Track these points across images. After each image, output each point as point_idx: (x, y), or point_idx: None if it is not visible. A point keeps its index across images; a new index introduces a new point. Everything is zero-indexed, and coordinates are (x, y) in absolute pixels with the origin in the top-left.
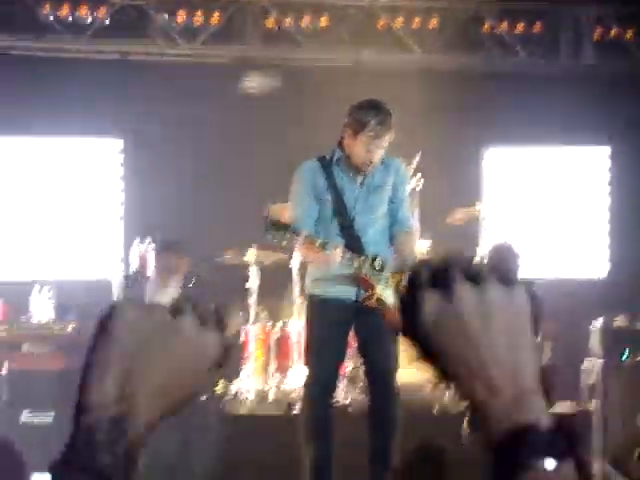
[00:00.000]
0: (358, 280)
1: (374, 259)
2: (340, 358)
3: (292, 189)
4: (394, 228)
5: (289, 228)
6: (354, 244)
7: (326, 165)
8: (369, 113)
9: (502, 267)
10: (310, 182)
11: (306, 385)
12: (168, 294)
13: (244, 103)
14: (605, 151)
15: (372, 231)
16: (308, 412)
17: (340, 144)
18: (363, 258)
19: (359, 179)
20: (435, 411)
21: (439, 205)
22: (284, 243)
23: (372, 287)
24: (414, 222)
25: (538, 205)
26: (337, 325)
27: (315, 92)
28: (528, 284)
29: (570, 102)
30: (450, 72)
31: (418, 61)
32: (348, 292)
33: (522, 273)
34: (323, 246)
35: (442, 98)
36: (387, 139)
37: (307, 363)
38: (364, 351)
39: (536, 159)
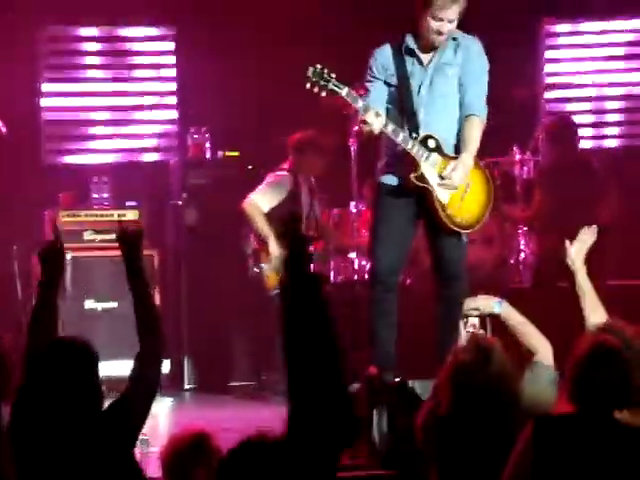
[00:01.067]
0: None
1: (427, 137)
2: (403, 249)
3: (366, 74)
4: (461, 111)
5: (332, 80)
6: (413, 124)
7: (398, 51)
8: None
9: (562, 139)
10: (380, 67)
11: (370, 278)
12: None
13: None
14: None
15: (437, 115)
16: (371, 306)
17: (411, 30)
18: (414, 135)
19: (426, 60)
20: None
21: (500, 80)
22: (323, 94)
23: (415, 164)
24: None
25: (602, 77)
26: (398, 214)
27: None
28: None
29: None
30: None
31: None
32: (407, 178)
33: (582, 143)
34: (366, 109)
35: None
36: (456, 9)
37: (370, 254)
38: (429, 239)
39: (597, 32)
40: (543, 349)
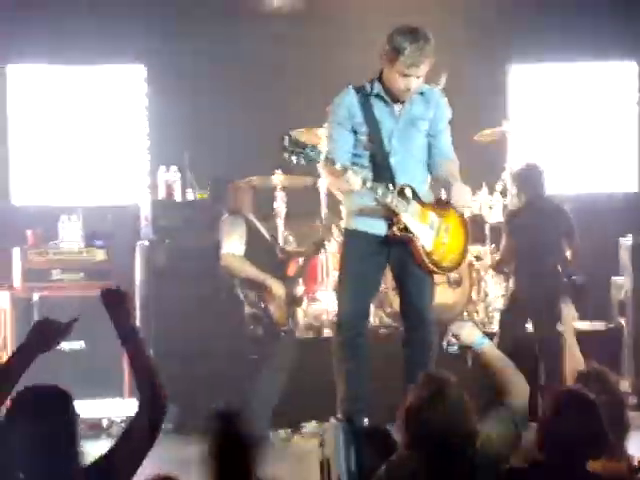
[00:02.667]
0: (384, 209)
1: (403, 188)
2: (372, 294)
3: (328, 119)
4: (435, 158)
5: (307, 147)
6: (387, 176)
7: (364, 96)
8: (406, 40)
9: (529, 185)
10: (346, 113)
11: (338, 323)
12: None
13: (266, 26)
14: (633, 67)
15: (408, 163)
16: (340, 350)
17: (380, 75)
18: (390, 186)
19: (397, 110)
20: None
21: (465, 125)
22: (302, 162)
23: (396, 215)
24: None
25: (566, 121)
26: (369, 260)
27: (340, 14)
28: None
29: (597, 14)
30: None
31: None
32: (380, 225)
33: (549, 189)
34: (345, 170)
35: (464, 14)
36: (425, 67)
37: (339, 299)
38: (398, 285)
39: (562, 75)
40: (519, 391)
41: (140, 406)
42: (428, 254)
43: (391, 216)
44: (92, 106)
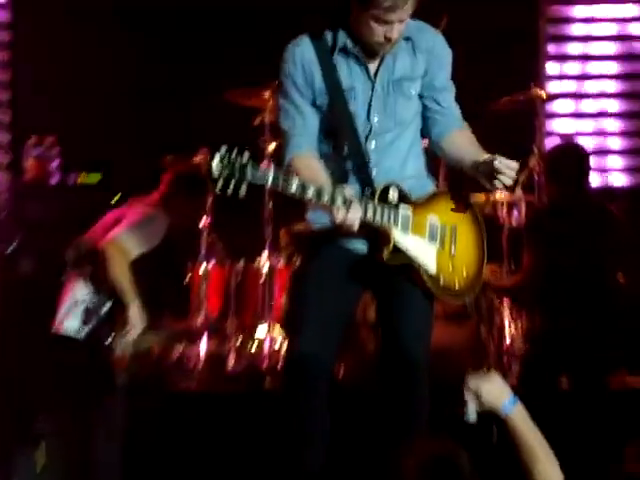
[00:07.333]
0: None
1: (386, 188)
2: (341, 323)
3: (279, 91)
4: (438, 131)
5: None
6: (362, 168)
7: (324, 51)
8: None
9: (565, 174)
10: (303, 76)
11: (288, 364)
12: None
13: None
14: None
15: (392, 147)
16: (294, 401)
17: (344, 23)
18: (368, 190)
19: (372, 69)
20: None
21: (478, 89)
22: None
23: (386, 238)
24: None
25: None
26: (343, 280)
27: None
28: None
29: None
30: None
31: None
32: (363, 242)
33: (593, 177)
34: (332, 200)
35: None
36: (410, 6)
37: (290, 328)
38: (383, 319)
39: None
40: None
41: None
42: (433, 280)
43: (372, 235)
44: None
